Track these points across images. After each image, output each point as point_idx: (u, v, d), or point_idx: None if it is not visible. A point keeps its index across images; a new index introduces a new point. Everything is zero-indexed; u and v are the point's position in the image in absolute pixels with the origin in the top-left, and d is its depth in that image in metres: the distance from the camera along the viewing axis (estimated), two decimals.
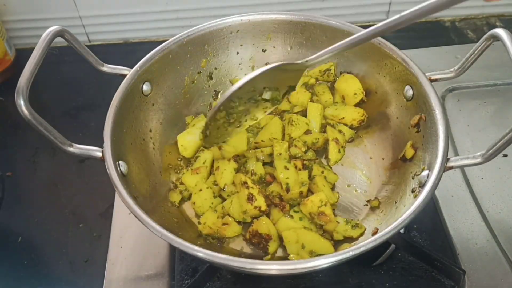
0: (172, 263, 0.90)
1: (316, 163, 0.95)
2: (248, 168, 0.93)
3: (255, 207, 0.86)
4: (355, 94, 1.01)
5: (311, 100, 1.04)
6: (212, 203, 0.91)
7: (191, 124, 1.02)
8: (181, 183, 0.94)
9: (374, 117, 1.01)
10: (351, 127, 1.01)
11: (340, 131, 1.00)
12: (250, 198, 0.86)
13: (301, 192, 0.89)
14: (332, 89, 1.06)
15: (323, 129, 1.01)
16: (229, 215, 0.88)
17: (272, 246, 0.85)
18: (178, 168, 0.98)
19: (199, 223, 0.88)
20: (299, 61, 0.84)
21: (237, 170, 0.93)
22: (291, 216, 0.86)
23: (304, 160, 0.93)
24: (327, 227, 0.86)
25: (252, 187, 0.87)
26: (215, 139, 0.90)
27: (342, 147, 0.98)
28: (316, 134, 0.99)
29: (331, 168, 0.96)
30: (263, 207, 0.86)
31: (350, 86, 1.01)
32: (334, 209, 0.90)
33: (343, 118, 1.01)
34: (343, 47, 0.77)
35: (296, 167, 0.91)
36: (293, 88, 0.90)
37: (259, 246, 0.86)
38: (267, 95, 0.87)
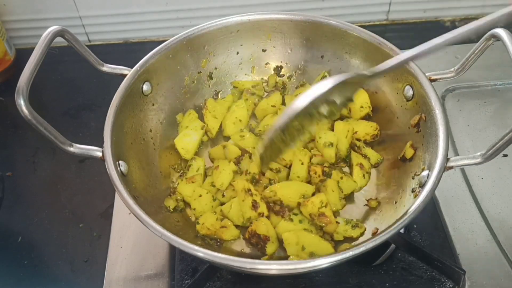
0: (172, 263, 0.90)
1: (337, 169, 0.93)
2: (242, 168, 0.93)
3: (259, 213, 0.86)
4: (362, 107, 0.99)
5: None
6: (212, 207, 0.90)
7: (183, 124, 1.01)
8: (177, 192, 0.93)
9: (374, 115, 1.01)
10: (364, 142, 0.98)
11: (365, 156, 0.96)
12: (255, 206, 0.86)
13: (298, 203, 0.88)
14: None
15: (349, 150, 0.97)
16: (228, 218, 0.88)
17: (270, 248, 0.84)
18: (178, 168, 0.98)
19: (197, 223, 0.88)
20: (361, 73, 0.75)
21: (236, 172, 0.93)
22: (291, 219, 0.86)
23: (324, 166, 0.92)
24: (327, 229, 0.85)
25: (255, 194, 0.87)
26: (270, 159, 0.83)
27: (367, 172, 0.94)
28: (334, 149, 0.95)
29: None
30: (266, 213, 0.87)
31: (358, 99, 0.99)
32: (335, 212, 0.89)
33: (356, 132, 0.98)
34: (409, 58, 0.73)
35: (315, 173, 0.90)
36: (350, 99, 0.80)
37: (257, 246, 0.85)
38: (323, 109, 0.77)
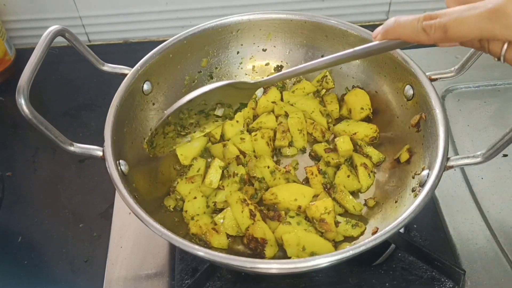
0: (172, 263, 0.90)
1: (345, 165, 0.94)
2: (230, 171, 0.93)
3: (257, 220, 0.86)
4: (362, 109, 0.99)
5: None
6: (205, 213, 0.90)
7: None
8: (176, 191, 0.93)
9: (374, 117, 1.01)
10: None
11: (367, 156, 0.96)
12: (253, 215, 0.86)
13: (299, 206, 0.88)
14: (342, 101, 1.05)
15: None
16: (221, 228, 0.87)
17: (269, 251, 0.83)
18: (179, 168, 0.98)
19: (192, 218, 0.87)
20: (251, 81, 0.83)
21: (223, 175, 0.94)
22: (289, 223, 0.85)
23: (319, 165, 0.93)
24: (327, 236, 0.85)
25: (250, 203, 0.87)
26: (161, 149, 0.90)
27: (371, 171, 0.94)
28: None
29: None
30: (260, 220, 0.87)
31: (359, 101, 1.00)
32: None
33: (355, 133, 0.98)
34: (296, 73, 0.76)
35: (312, 173, 0.91)
36: (244, 105, 0.89)
37: (257, 251, 0.84)
38: (219, 111, 0.87)
